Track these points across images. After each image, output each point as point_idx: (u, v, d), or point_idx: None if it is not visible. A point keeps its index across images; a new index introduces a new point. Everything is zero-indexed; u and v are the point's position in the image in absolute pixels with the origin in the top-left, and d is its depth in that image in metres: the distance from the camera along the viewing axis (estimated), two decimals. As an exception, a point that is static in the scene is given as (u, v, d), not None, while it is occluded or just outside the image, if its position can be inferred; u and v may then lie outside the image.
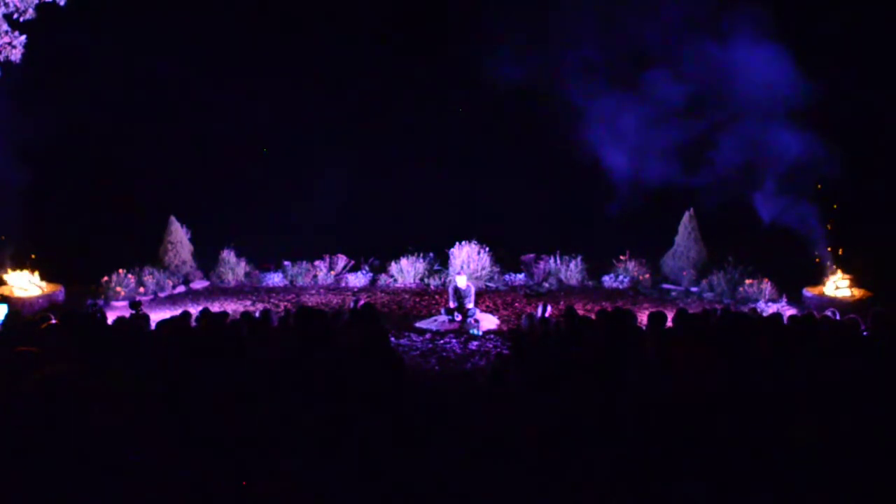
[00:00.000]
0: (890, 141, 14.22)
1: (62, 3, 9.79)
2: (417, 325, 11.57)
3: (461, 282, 11.61)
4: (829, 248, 12.47)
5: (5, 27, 9.71)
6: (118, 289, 12.93)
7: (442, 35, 17.14)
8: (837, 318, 7.68)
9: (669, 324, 7.56)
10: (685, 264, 14.08)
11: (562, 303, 12.65)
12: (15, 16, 9.69)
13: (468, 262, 14.26)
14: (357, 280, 14.69)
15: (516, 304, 13.03)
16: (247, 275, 14.80)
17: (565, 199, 16.89)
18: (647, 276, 14.22)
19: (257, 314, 8.62)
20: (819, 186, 12.52)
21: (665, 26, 13.73)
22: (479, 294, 13.09)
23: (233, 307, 12.71)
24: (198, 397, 4.54)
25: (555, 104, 14.80)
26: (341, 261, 15.05)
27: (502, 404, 5.55)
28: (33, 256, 12.74)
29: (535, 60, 14.98)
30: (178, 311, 8.65)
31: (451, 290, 11.61)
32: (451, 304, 11.45)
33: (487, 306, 12.78)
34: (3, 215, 12.83)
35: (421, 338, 10.71)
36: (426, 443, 5.06)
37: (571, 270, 14.61)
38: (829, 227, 12.56)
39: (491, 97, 16.60)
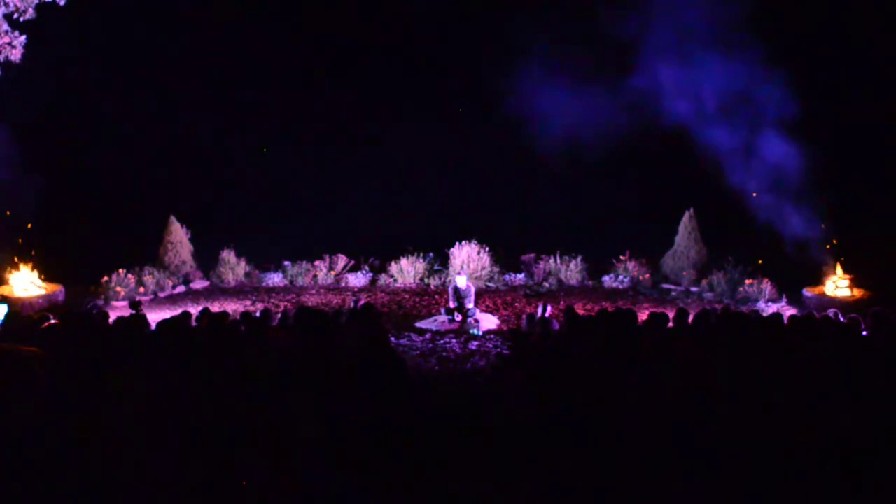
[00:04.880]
0: (888, 137, 14.22)
1: (62, 2, 9.78)
2: (417, 325, 11.57)
3: (461, 282, 11.61)
4: (828, 246, 12.45)
5: (5, 27, 9.71)
6: (118, 289, 12.93)
7: (440, 37, 17.16)
8: (840, 318, 7.67)
9: (670, 324, 7.56)
10: (685, 264, 14.08)
11: (562, 303, 12.64)
12: (15, 16, 9.68)
13: (468, 262, 14.25)
14: (357, 280, 14.69)
15: (516, 304, 13.03)
16: (247, 275, 14.79)
17: (565, 199, 16.88)
18: (647, 276, 14.21)
19: (257, 314, 8.62)
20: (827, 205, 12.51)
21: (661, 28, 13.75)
22: (479, 294, 13.08)
23: (233, 307, 12.71)
24: (198, 397, 4.54)
25: (551, 105, 14.83)
26: (341, 261, 15.05)
27: (502, 404, 5.55)
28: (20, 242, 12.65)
29: (530, 60, 15.03)
30: (178, 312, 8.63)
31: (451, 290, 11.61)
32: (451, 304, 11.45)
33: (487, 306, 12.78)
34: (4, 215, 12.84)
35: (421, 338, 10.71)
36: (428, 443, 5.05)
37: (571, 270, 14.61)
38: (823, 226, 12.55)
39: (489, 98, 16.60)
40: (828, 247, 12.43)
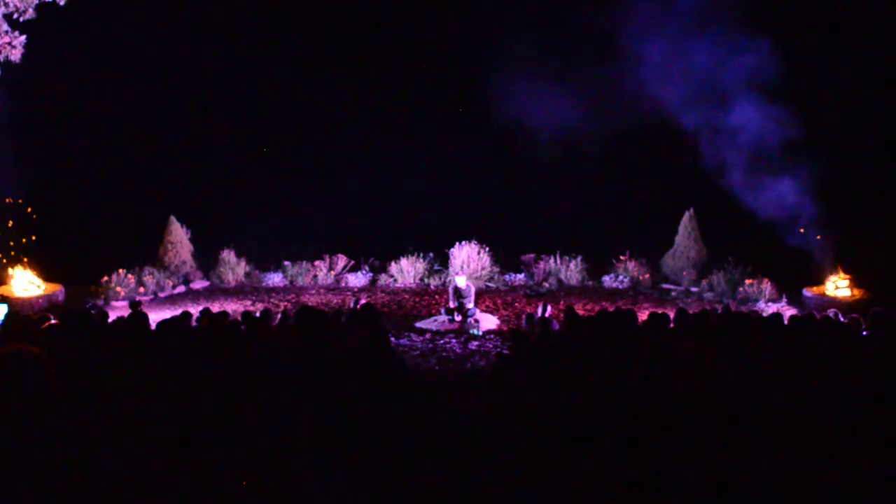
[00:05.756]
0: (887, 137, 14.23)
1: (62, 2, 9.78)
2: (417, 325, 11.57)
3: (461, 282, 11.61)
4: (819, 239, 12.43)
5: (5, 27, 9.71)
6: (118, 289, 12.93)
7: (440, 37, 17.17)
8: (840, 318, 7.67)
9: (670, 324, 7.56)
10: (685, 264, 14.07)
11: (562, 303, 12.64)
12: (15, 16, 9.68)
13: (468, 262, 14.25)
14: (357, 280, 14.69)
15: (516, 304, 13.02)
16: (247, 275, 14.80)
17: (565, 199, 16.89)
18: (647, 276, 14.21)
19: (257, 314, 8.62)
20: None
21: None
22: (479, 294, 13.08)
23: (233, 307, 12.71)
24: (198, 398, 4.54)
25: (551, 105, 14.85)
26: (341, 261, 15.05)
27: (502, 404, 5.55)
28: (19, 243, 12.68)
29: (530, 61, 15.05)
30: (178, 312, 8.64)
31: (451, 290, 11.61)
32: (451, 304, 11.45)
33: (487, 306, 12.78)
34: (4, 214, 12.86)
35: (421, 338, 10.71)
36: (427, 443, 5.05)
37: (571, 270, 14.60)
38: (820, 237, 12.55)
39: (490, 98, 16.63)
40: (822, 244, 12.39)
